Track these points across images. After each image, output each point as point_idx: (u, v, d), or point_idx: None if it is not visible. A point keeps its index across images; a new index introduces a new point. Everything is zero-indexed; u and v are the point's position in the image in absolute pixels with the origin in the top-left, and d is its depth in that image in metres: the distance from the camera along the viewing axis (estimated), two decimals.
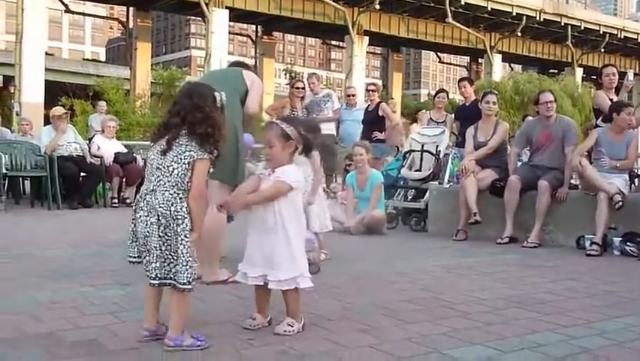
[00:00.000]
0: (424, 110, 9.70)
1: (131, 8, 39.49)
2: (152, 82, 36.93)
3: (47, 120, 12.19)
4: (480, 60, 48.91)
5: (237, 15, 38.11)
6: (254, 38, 47.10)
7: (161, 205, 2.81)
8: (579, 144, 7.04)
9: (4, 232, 6.88)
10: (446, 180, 7.64)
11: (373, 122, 9.94)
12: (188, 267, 2.83)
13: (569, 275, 5.05)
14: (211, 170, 3.29)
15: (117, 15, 60.77)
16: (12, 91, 32.68)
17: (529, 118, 8.74)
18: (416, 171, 8.02)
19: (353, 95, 11.02)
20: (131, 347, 2.90)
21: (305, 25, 42.24)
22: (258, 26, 45.09)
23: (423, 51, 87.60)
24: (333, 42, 54.83)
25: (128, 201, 9.98)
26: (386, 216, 7.46)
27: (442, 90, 9.92)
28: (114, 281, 4.32)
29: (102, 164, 9.93)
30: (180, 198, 2.84)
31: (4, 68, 36.83)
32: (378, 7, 38.26)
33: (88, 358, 2.74)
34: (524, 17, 43.40)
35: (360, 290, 4.29)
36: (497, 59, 46.45)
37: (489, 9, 42.15)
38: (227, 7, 35.56)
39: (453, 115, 9.40)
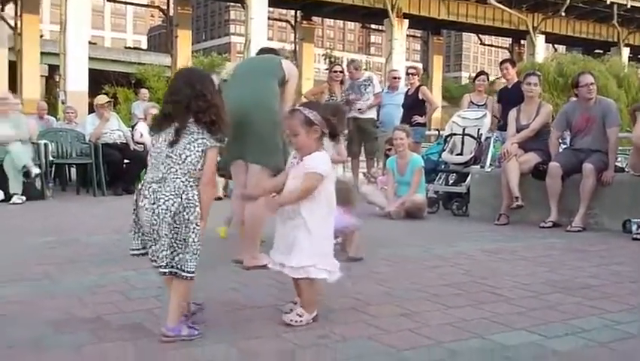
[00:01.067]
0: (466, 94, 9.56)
1: None
2: None
3: (91, 108, 12.38)
4: (522, 41, 48.19)
5: (276, 0, 38.09)
6: (293, 23, 47.06)
7: (172, 193, 2.77)
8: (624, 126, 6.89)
9: (51, 218, 7.03)
10: (488, 163, 7.56)
11: (413, 105, 9.87)
12: (195, 256, 2.82)
13: (614, 260, 4.96)
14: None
15: (158, 3, 61.32)
16: (57, 80, 33.30)
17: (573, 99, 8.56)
18: (457, 154, 7.94)
19: (398, 78, 10.96)
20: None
21: (344, 9, 42.07)
22: (297, 11, 45.03)
23: (464, 33, 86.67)
24: (373, 26, 54.55)
25: None
26: (427, 201, 7.41)
27: (482, 72, 9.78)
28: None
29: (145, 150, 10.05)
30: (191, 186, 2.81)
31: (49, 58, 37.48)
32: None
33: (133, 341, 2.79)
34: None
35: (400, 275, 4.28)
36: (540, 40, 45.70)
37: None
38: None
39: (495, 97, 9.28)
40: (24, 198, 8.45)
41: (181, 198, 2.78)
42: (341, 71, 10.13)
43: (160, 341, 2.78)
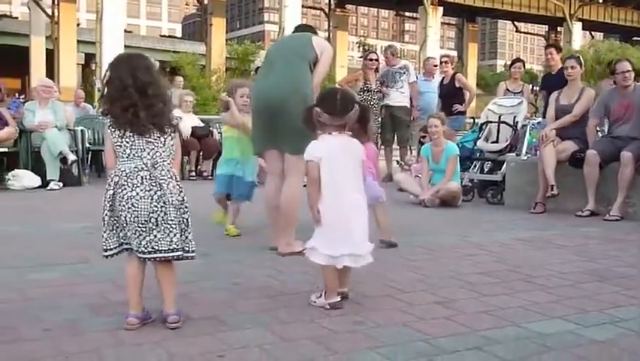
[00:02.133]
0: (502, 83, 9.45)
1: None
2: (226, 57, 37.36)
3: None
4: (559, 29, 47.46)
5: None
6: (327, 11, 46.92)
7: (169, 176, 2.77)
8: None
9: (87, 204, 7.10)
10: (524, 151, 7.46)
11: (451, 94, 9.77)
12: (191, 236, 2.87)
13: None
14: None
15: None
16: (93, 68, 33.67)
17: (609, 84, 8.37)
18: (493, 142, 7.84)
19: (435, 66, 10.86)
20: (209, 315, 2.97)
21: None
22: None
23: (499, 21, 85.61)
24: (407, 13, 54.15)
25: (205, 174, 10.16)
26: (461, 189, 7.35)
27: (517, 60, 9.65)
28: None
29: (180, 138, 10.10)
30: (172, 169, 2.82)
31: (85, 46, 37.86)
32: None
33: (168, 324, 2.81)
34: None
35: (435, 262, 4.26)
36: (577, 27, 44.97)
37: None
38: None
39: (530, 85, 9.15)
40: (61, 184, 8.57)
41: (175, 179, 2.80)
42: (376, 59, 10.06)
43: (170, 327, 2.76)
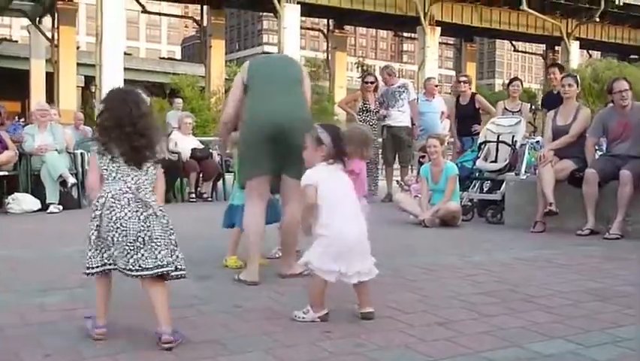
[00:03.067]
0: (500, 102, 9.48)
1: (205, 6, 40.17)
2: (226, 78, 37.48)
3: None
4: (557, 48, 47.64)
5: (309, 9, 38.25)
6: (325, 32, 47.17)
7: (153, 199, 2.91)
8: None
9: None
10: (523, 170, 7.48)
11: (470, 115, 9.73)
12: (181, 255, 2.96)
13: None
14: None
15: (192, 14, 61.88)
16: (93, 90, 33.80)
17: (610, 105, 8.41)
18: (492, 162, 7.86)
19: (436, 86, 10.92)
20: (210, 339, 2.96)
21: (376, 18, 42.06)
22: (330, 20, 45.13)
23: (497, 40, 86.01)
24: (405, 34, 54.41)
25: (205, 195, 10.17)
26: (461, 209, 7.35)
27: (515, 79, 9.69)
28: (192, 274, 4.40)
29: (179, 160, 10.14)
30: (153, 195, 2.96)
31: (85, 69, 38.02)
32: None
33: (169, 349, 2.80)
34: (603, 2, 41.99)
35: (435, 283, 4.26)
36: (575, 46, 45.16)
37: None
38: (298, 2, 35.74)
39: (529, 104, 9.19)
40: (61, 207, 8.58)
41: (156, 202, 2.92)
42: (372, 82, 10.11)
43: (164, 348, 2.78)
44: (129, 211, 2.84)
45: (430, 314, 3.40)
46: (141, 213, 2.85)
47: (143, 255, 2.84)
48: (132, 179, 2.90)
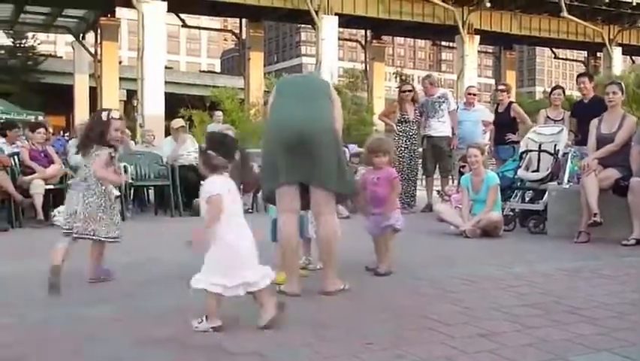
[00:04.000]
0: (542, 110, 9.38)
1: (243, 20, 40.57)
2: (265, 90, 37.75)
3: (168, 131, 12.70)
4: (598, 54, 46.95)
5: (346, 21, 38.33)
6: (363, 43, 47.21)
7: None
8: None
9: (131, 239, 7.20)
10: (565, 180, 7.38)
11: (506, 123, 9.72)
12: None
13: None
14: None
15: (231, 27, 62.55)
16: (135, 104, 34.32)
17: None
18: (534, 171, 7.77)
19: (474, 95, 10.85)
20: (252, 350, 2.98)
21: (414, 27, 41.98)
22: (367, 31, 45.18)
23: (537, 47, 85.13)
24: (444, 43, 54.23)
25: (245, 207, 10.22)
26: (503, 219, 7.28)
27: (557, 87, 9.58)
28: None
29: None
30: None
31: (127, 83, 38.68)
32: (488, 4, 37.54)
33: (211, 360, 2.83)
34: None
35: (477, 294, 4.22)
36: (617, 52, 44.44)
37: (606, 0, 40.41)
38: (336, 14, 35.88)
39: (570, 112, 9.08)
40: None
41: None
42: (410, 90, 10.09)
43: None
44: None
45: (472, 326, 3.37)
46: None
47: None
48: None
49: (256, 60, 39.58)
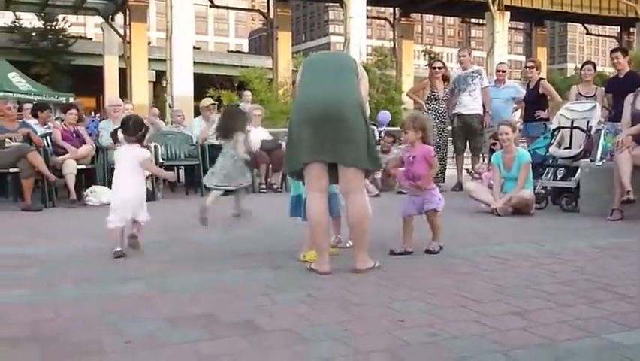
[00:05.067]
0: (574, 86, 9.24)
1: None
2: (293, 70, 37.68)
3: (197, 111, 12.75)
4: (632, 29, 46.07)
5: None
6: (392, 21, 46.84)
7: None
8: None
9: (162, 218, 7.27)
10: (599, 157, 7.27)
11: (534, 100, 9.61)
12: None
13: None
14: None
15: (258, 6, 62.46)
16: (164, 85, 34.51)
17: None
18: (566, 148, 7.68)
19: (503, 72, 10.73)
20: (284, 327, 3.00)
21: (443, 5, 41.58)
22: (396, 8, 44.81)
23: (568, 23, 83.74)
24: (473, 20, 53.59)
25: (275, 186, 10.26)
26: (534, 196, 7.21)
27: (588, 62, 9.41)
28: (266, 264, 4.47)
29: (250, 151, 10.25)
30: None
31: (156, 64, 38.86)
32: None
33: (244, 338, 2.85)
34: None
35: (510, 272, 4.19)
36: None
37: None
38: None
39: (603, 88, 8.93)
40: None
41: None
42: (440, 67, 9.99)
43: None
44: None
45: (505, 304, 3.36)
46: None
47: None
48: None
49: (284, 40, 39.49)
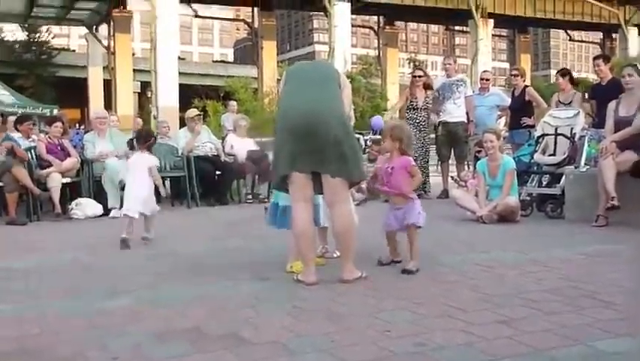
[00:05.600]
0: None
1: (255, 8, 40.48)
2: (278, 79, 37.68)
3: (183, 122, 12.72)
4: (614, 35, 46.47)
5: (359, 7, 38.17)
6: (376, 29, 47.02)
7: None
8: None
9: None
10: (582, 163, 7.31)
11: (520, 108, 9.68)
12: None
13: None
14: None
15: (243, 16, 62.43)
16: (149, 96, 34.42)
17: None
18: (550, 155, 7.72)
19: (487, 80, 10.79)
20: (271, 340, 2.99)
21: (427, 13, 41.78)
22: (380, 17, 44.98)
23: (551, 30, 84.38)
24: (457, 27, 53.88)
25: (261, 197, 10.25)
26: (520, 204, 7.24)
27: (559, 70, 9.56)
28: (253, 275, 4.46)
29: (236, 162, 10.25)
30: None
31: (141, 75, 38.78)
32: None
33: (231, 351, 2.85)
34: None
35: (495, 280, 4.21)
36: (633, 33, 43.97)
37: None
38: (348, 0, 35.73)
39: (581, 93, 9.01)
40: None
41: None
42: (421, 76, 10.03)
43: None
44: None
45: (491, 312, 3.37)
46: None
47: None
48: None
49: (269, 49, 39.50)
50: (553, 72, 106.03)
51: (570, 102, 8.68)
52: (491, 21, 39.83)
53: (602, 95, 8.10)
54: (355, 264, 4.25)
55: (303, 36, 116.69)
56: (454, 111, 9.84)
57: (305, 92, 4.27)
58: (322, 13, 39.74)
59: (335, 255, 4.78)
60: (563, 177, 7.35)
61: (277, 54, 44.28)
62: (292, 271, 4.43)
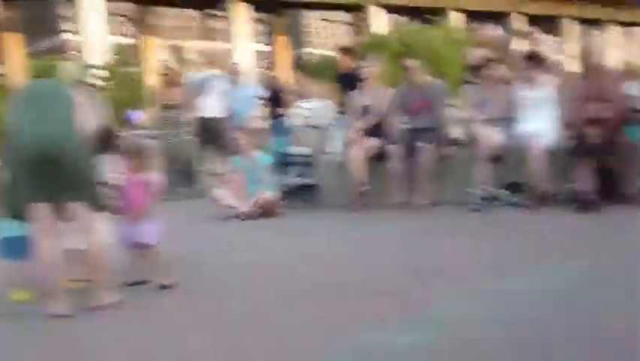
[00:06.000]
0: None
1: None
2: (32, 75, 35.18)
3: None
4: (362, 16, 49.01)
5: None
6: (132, 17, 45.51)
7: None
8: None
9: None
10: (335, 151, 7.61)
11: (275, 98, 9.90)
12: None
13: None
14: None
15: None
16: None
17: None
18: (303, 146, 7.94)
19: (238, 72, 10.80)
20: None
21: None
22: (137, 4, 43.61)
23: (304, 11, 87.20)
24: (216, 12, 53.73)
25: None
26: (278, 197, 7.33)
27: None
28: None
29: None
30: None
31: None
32: None
33: None
34: None
35: (261, 283, 4.28)
36: (378, 12, 46.64)
37: None
38: None
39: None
40: None
41: None
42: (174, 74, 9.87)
43: None
44: None
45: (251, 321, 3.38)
46: None
47: None
48: None
49: (14, 42, 36.71)
50: (314, 52, 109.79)
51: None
52: (248, 5, 40.15)
53: (348, 83, 8.43)
54: (111, 288, 4.06)
55: (52, 26, 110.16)
56: (210, 106, 9.74)
57: (38, 119, 3.99)
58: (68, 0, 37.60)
59: (86, 281, 4.50)
60: (317, 167, 7.60)
61: (25, 47, 41.33)
62: (19, 300, 4.20)
